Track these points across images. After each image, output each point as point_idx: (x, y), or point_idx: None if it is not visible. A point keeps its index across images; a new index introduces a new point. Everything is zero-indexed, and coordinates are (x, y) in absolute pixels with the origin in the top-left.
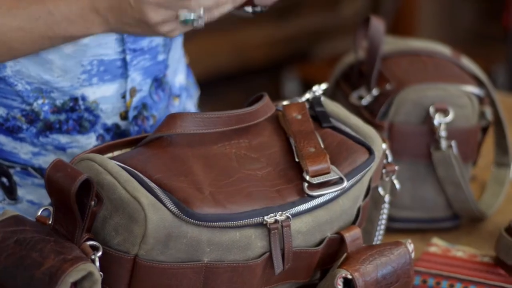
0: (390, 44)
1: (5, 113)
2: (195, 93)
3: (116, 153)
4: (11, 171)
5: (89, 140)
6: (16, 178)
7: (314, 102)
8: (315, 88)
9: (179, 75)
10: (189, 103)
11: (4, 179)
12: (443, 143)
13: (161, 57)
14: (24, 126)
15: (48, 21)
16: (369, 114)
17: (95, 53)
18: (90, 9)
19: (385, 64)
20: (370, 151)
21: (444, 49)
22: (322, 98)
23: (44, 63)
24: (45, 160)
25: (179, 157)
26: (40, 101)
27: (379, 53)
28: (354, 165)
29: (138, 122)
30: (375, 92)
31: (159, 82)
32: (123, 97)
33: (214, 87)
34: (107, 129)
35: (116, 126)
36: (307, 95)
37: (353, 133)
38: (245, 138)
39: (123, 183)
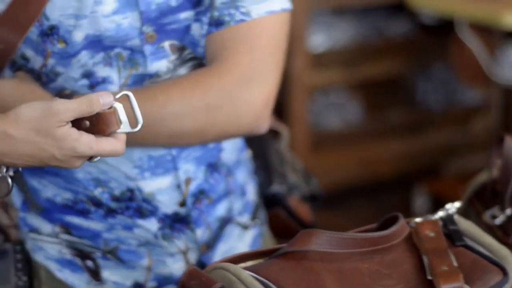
0: None
1: (72, 196)
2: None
3: (248, 263)
4: (94, 255)
5: (151, 224)
6: (99, 260)
7: (447, 220)
8: (448, 205)
9: (239, 173)
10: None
11: (89, 262)
12: None
13: (212, 144)
14: (92, 209)
15: None
16: (503, 234)
17: (143, 149)
18: None
19: None
20: (504, 271)
21: None
22: (455, 216)
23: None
24: (117, 237)
25: (312, 270)
26: (99, 190)
27: None
28: (488, 285)
29: (196, 205)
30: (509, 212)
31: (214, 167)
32: (179, 187)
33: (341, 199)
34: (167, 216)
35: (176, 213)
36: (440, 213)
37: (486, 253)
38: (378, 253)
39: None
